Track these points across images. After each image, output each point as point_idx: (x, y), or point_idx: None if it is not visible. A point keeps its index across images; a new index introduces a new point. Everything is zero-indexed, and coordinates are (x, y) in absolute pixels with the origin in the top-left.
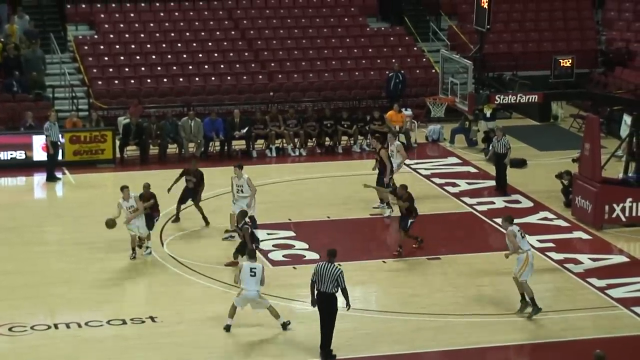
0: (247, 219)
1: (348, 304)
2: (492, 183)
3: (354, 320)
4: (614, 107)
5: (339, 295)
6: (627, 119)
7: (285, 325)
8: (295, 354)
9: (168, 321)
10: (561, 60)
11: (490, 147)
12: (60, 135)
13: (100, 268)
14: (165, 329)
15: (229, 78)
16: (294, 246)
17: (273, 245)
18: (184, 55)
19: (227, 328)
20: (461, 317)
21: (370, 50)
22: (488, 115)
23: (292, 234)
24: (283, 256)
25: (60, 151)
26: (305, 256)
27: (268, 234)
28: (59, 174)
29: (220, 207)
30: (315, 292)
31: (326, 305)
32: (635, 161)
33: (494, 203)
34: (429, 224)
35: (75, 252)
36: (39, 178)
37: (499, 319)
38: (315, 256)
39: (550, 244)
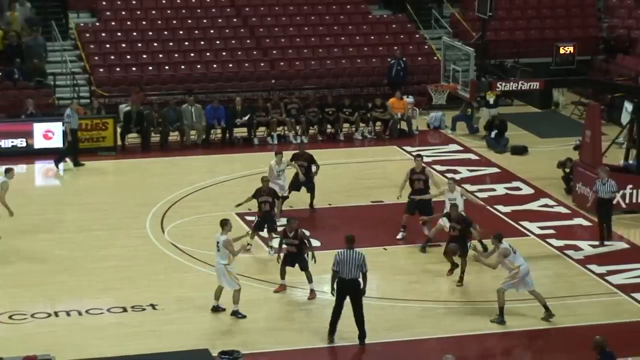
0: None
1: (364, 289)
2: (493, 170)
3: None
4: (615, 94)
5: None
6: (628, 106)
7: (235, 313)
8: (297, 340)
9: (169, 309)
10: (563, 47)
11: (592, 192)
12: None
13: (101, 256)
14: (166, 316)
15: (230, 65)
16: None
17: (274, 234)
18: (186, 43)
19: (214, 309)
20: (462, 304)
21: (372, 37)
22: (491, 102)
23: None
24: (270, 247)
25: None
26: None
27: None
28: (61, 163)
29: (223, 195)
30: (336, 280)
31: (353, 291)
32: (636, 148)
33: (495, 190)
34: None
35: (76, 239)
36: (41, 166)
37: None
38: (317, 243)
39: (551, 231)
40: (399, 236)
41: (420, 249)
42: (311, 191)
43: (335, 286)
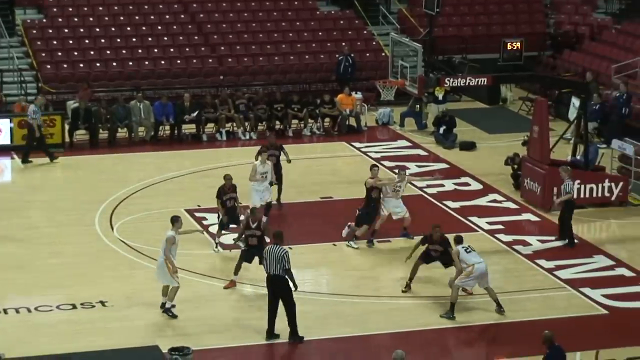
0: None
1: (295, 285)
2: (442, 165)
3: (305, 302)
4: (562, 89)
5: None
6: (575, 102)
7: (167, 310)
8: (247, 336)
9: (118, 305)
10: (510, 43)
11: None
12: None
13: (49, 253)
14: (115, 313)
15: (178, 62)
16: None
17: (223, 231)
18: (133, 39)
19: (162, 306)
20: (412, 299)
21: (320, 33)
22: (439, 98)
23: (241, 218)
24: (233, 240)
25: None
26: (216, 240)
27: (218, 217)
28: (6, 158)
29: (172, 191)
30: (266, 275)
31: (277, 287)
32: (583, 144)
33: (444, 186)
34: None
35: (24, 237)
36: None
37: (450, 301)
38: (266, 239)
39: (499, 226)
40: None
41: (367, 244)
42: (279, 185)
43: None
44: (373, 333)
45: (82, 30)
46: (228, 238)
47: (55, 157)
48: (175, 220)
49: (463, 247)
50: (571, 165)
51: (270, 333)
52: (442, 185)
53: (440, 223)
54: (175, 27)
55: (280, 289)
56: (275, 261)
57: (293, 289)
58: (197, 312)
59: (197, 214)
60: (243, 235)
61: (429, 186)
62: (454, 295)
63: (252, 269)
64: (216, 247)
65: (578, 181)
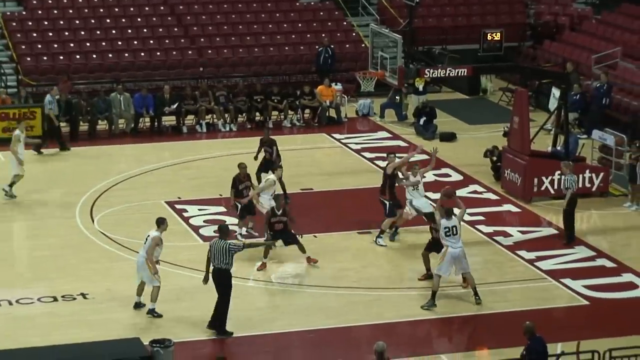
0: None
1: (269, 243)
2: (422, 157)
3: (286, 294)
4: (542, 80)
5: (234, 272)
6: (555, 92)
7: (151, 312)
8: (228, 329)
9: (99, 298)
10: (490, 34)
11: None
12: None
13: (30, 245)
14: (96, 305)
15: (158, 54)
16: (225, 222)
17: (204, 221)
18: (113, 31)
19: (136, 305)
20: (393, 290)
21: (300, 25)
22: (420, 89)
23: (222, 209)
24: (214, 232)
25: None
26: (235, 232)
27: (199, 209)
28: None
29: (153, 184)
30: (212, 268)
31: (217, 281)
32: (564, 134)
33: (424, 177)
34: (359, 199)
35: (4, 229)
36: None
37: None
38: (254, 233)
39: (480, 217)
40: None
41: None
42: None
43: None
44: (354, 324)
45: (61, 22)
46: (208, 230)
47: (67, 148)
48: (161, 222)
49: (446, 227)
50: (552, 155)
51: (213, 324)
52: (423, 177)
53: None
54: (154, 19)
55: (219, 283)
56: (220, 255)
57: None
58: (178, 304)
59: (178, 206)
60: (269, 222)
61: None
62: (435, 284)
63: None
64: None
65: (559, 172)
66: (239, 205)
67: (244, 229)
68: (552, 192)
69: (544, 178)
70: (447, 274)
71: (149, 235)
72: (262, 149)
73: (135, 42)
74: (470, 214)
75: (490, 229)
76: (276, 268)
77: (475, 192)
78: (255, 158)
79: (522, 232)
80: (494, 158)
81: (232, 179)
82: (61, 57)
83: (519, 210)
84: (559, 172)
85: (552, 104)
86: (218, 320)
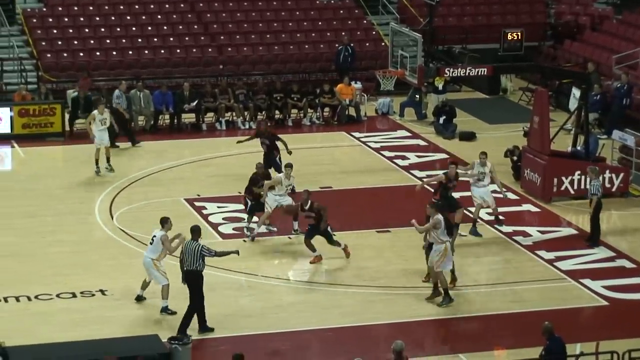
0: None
1: (236, 252)
2: (442, 156)
3: (304, 292)
4: (562, 80)
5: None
6: (575, 92)
7: (165, 310)
8: (246, 326)
9: (118, 294)
10: (510, 34)
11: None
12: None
13: (50, 242)
14: (115, 302)
15: (178, 51)
16: (244, 219)
17: (223, 219)
18: (133, 28)
19: (137, 298)
20: (410, 289)
21: (320, 23)
22: (439, 88)
23: (241, 207)
24: (233, 229)
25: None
26: (254, 229)
27: (218, 207)
28: (6, 147)
29: (172, 181)
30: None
31: (189, 282)
32: (584, 134)
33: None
34: (378, 197)
35: (24, 225)
36: None
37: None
38: (274, 229)
39: (500, 217)
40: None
41: (471, 232)
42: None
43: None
44: (372, 323)
45: (82, 19)
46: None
47: (137, 142)
48: (165, 222)
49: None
50: (572, 155)
51: (203, 326)
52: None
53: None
54: (175, 16)
55: (190, 284)
56: (191, 256)
57: (236, 254)
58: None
59: (197, 204)
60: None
61: (429, 176)
62: (443, 282)
63: (250, 259)
64: (247, 232)
65: (578, 172)
66: (249, 202)
67: (263, 226)
68: (572, 192)
69: (563, 178)
70: (449, 269)
71: (154, 236)
72: (260, 142)
73: (156, 39)
74: (490, 214)
75: (509, 229)
76: (293, 266)
77: (494, 191)
78: (238, 142)
79: (542, 232)
80: (515, 158)
81: (250, 178)
82: (81, 54)
83: (538, 210)
84: (578, 172)
85: (572, 104)
86: (184, 321)
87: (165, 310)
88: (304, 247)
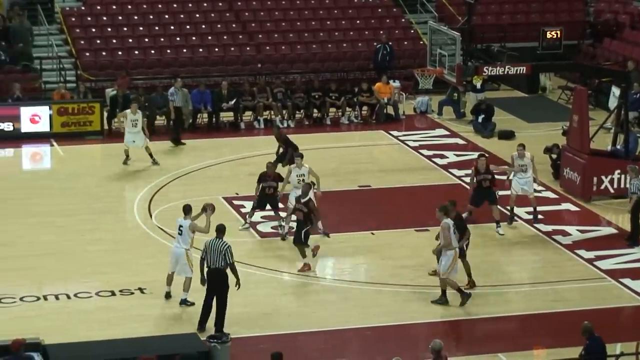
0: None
1: (238, 282)
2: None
3: (343, 291)
4: (602, 78)
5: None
6: (615, 91)
7: (184, 302)
8: (287, 324)
9: (157, 293)
10: (549, 32)
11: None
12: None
13: (89, 240)
14: (154, 300)
15: (216, 49)
16: (282, 218)
17: (261, 217)
18: (171, 27)
19: (167, 295)
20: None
21: (358, 21)
22: (478, 86)
23: (280, 205)
24: (271, 228)
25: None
26: (293, 228)
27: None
28: (45, 145)
29: (211, 179)
30: (206, 269)
31: (217, 281)
32: (624, 133)
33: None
34: (417, 196)
35: (63, 223)
36: (27, 149)
37: (489, 291)
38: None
39: (539, 216)
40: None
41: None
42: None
43: (205, 276)
44: (411, 322)
45: (120, 18)
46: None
47: (181, 143)
48: (189, 210)
49: (453, 225)
50: (612, 154)
51: (202, 325)
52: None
53: (478, 212)
54: (213, 15)
55: (217, 284)
56: (216, 254)
57: (236, 286)
58: (234, 299)
59: (235, 202)
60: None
61: (467, 175)
62: (453, 284)
63: (290, 258)
64: (244, 224)
65: (618, 171)
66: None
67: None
68: (612, 191)
69: (603, 177)
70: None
71: (181, 225)
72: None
73: (194, 38)
74: (529, 213)
75: (549, 228)
76: (332, 265)
77: (534, 190)
78: (276, 153)
79: (581, 231)
80: (554, 156)
81: (259, 175)
82: (120, 53)
83: (578, 209)
84: (618, 171)
85: (612, 103)
86: (218, 323)
87: (184, 302)
88: (342, 246)
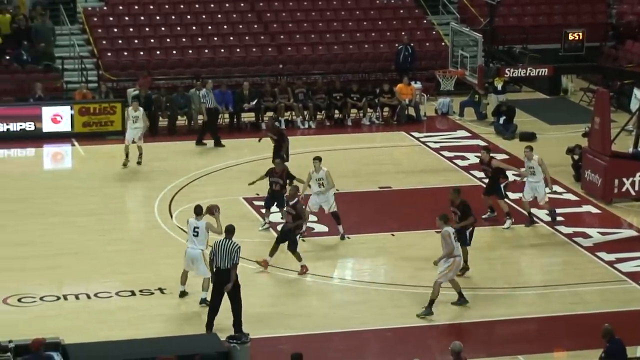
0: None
1: (231, 279)
2: (502, 156)
3: (362, 292)
4: (624, 80)
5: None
6: (637, 93)
7: (204, 301)
8: (306, 325)
9: (177, 293)
10: (571, 34)
11: None
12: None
13: (109, 239)
14: (174, 300)
15: (238, 50)
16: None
17: (281, 218)
18: (193, 27)
19: (181, 294)
20: (470, 290)
21: (379, 23)
22: (499, 88)
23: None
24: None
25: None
26: (314, 229)
27: (276, 205)
28: (67, 145)
29: (231, 180)
30: (215, 269)
31: (224, 282)
32: None
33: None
34: (437, 197)
35: (84, 223)
36: (49, 149)
37: (509, 293)
38: (324, 228)
39: (560, 218)
40: (485, 216)
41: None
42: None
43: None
44: (430, 324)
45: (142, 18)
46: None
47: (203, 144)
48: (200, 211)
49: (453, 233)
50: (634, 157)
51: (210, 327)
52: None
53: (500, 214)
54: (235, 15)
55: (224, 285)
56: (226, 254)
57: (225, 287)
58: (253, 300)
59: (256, 202)
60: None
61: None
62: (435, 292)
63: (311, 258)
64: (264, 225)
65: (639, 173)
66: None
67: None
68: (633, 193)
69: (624, 179)
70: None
71: (196, 227)
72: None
73: (216, 39)
74: (547, 214)
75: (570, 230)
76: (352, 266)
77: (555, 192)
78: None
79: (602, 234)
80: (576, 157)
81: (267, 170)
82: (141, 53)
83: (599, 211)
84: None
85: (634, 105)
86: (236, 323)
87: (204, 301)
88: (362, 247)
